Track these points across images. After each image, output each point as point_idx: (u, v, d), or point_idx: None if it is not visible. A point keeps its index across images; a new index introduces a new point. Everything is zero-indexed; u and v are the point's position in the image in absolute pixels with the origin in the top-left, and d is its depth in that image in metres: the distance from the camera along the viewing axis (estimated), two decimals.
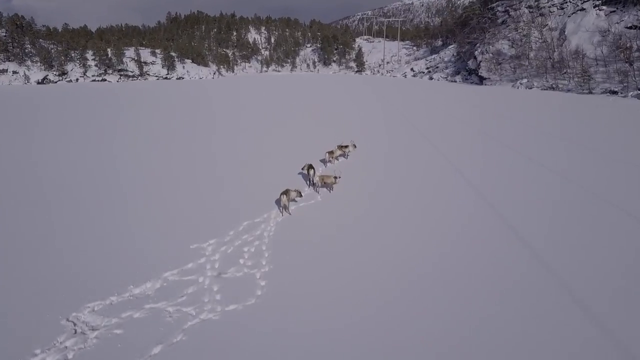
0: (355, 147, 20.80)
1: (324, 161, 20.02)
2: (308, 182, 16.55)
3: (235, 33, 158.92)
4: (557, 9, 70.13)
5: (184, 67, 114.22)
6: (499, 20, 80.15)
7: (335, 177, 15.15)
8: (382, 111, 38.46)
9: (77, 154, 21.36)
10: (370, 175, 17.71)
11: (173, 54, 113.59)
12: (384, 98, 52.20)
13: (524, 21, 73.14)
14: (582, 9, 64.86)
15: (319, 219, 12.91)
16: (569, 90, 54.41)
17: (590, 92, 50.67)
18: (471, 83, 77.66)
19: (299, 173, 17.63)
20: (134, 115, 37.11)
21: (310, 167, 16.26)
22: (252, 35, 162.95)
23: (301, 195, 13.98)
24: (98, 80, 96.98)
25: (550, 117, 32.92)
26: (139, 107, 44.07)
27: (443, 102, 46.54)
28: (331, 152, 19.59)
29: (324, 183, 15.38)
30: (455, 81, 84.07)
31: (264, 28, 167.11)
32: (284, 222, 12.64)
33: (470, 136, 25.29)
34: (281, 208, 13.31)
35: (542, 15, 71.26)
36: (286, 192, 13.24)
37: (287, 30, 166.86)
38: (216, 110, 41.22)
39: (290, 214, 13.29)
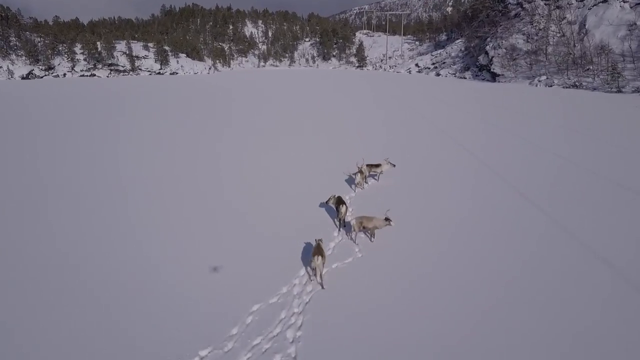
0: (393, 165, 16.40)
1: (351, 183, 15.94)
2: (337, 220, 12.25)
3: (231, 27, 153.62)
4: (577, 1, 65.75)
5: (177, 61, 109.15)
6: (512, 14, 75.78)
7: (388, 220, 10.75)
8: (404, 116, 34.04)
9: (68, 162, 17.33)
10: (414, 202, 13.57)
11: (167, 47, 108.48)
12: (398, 97, 47.81)
13: (539, 14, 68.78)
14: (605, 1, 60.57)
15: (369, 298, 8.60)
16: (594, 89, 50.22)
17: (620, 91, 46.51)
18: (482, 80, 73.31)
19: (321, 205, 13.34)
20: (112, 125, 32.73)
21: (340, 201, 12.06)
22: (249, 29, 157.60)
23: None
24: (87, 76, 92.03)
25: (593, 119, 28.78)
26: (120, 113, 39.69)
27: (465, 103, 42.21)
28: (361, 172, 15.25)
29: (364, 227, 11.02)
30: (465, 78, 79.69)
31: (261, 22, 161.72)
32: (315, 302, 8.40)
33: (517, 144, 21.12)
34: (314, 274, 9.40)
35: (559, 7, 66.90)
36: (320, 251, 9.14)
37: (284, 24, 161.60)
38: (216, 112, 36.70)
39: (323, 286, 9.05)
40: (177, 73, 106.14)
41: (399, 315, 7.80)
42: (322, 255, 9.11)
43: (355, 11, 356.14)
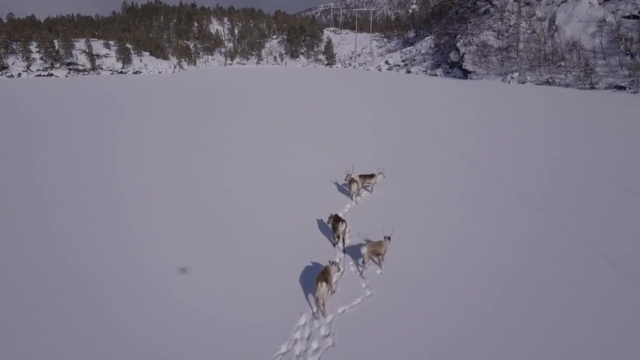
0: (383, 176, 14.58)
1: (342, 191, 14.28)
2: (334, 239, 10.44)
3: (196, 24, 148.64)
4: None
5: (141, 60, 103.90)
6: (481, 10, 75.76)
7: (389, 238, 9.32)
8: (388, 117, 32.33)
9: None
10: (412, 214, 11.81)
11: (129, 46, 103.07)
12: (377, 96, 46.19)
13: (509, 11, 68.91)
14: None
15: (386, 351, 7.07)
16: (567, 85, 50.32)
17: (593, 87, 46.65)
18: (454, 77, 73.00)
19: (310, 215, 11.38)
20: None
21: (337, 219, 10.27)
22: (215, 27, 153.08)
23: (339, 270, 8.56)
24: (44, 75, 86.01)
25: (577, 117, 27.96)
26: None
27: (446, 102, 40.99)
28: (356, 182, 13.39)
29: (377, 254, 9.21)
30: (436, 75, 79.25)
31: (226, 19, 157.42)
32: None
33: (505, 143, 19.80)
34: (319, 305, 7.78)
35: (528, 4, 67.18)
36: (326, 277, 7.72)
37: (251, 21, 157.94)
38: (183, 118, 33.84)
39: (324, 315, 7.67)
40: (140, 72, 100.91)
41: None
42: (327, 281, 7.62)
43: (321, 8, 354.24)
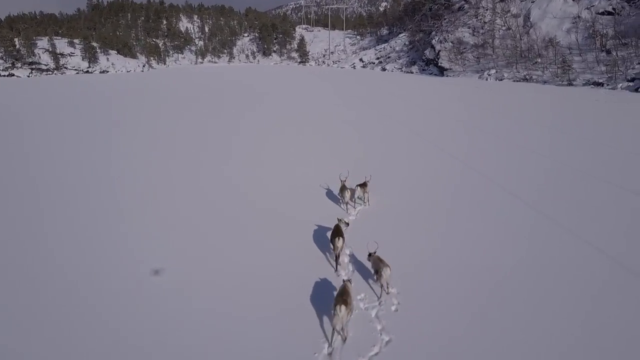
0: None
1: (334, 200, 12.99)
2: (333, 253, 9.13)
3: (165, 22, 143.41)
4: None
5: (108, 59, 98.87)
6: (456, 7, 75.33)
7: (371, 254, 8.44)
8: (370, 117, 30.70)
9: None
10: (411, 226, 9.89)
11: (95, 44, 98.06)
12: (356, 95, 44.59)
13: (483, 7, 68.60)
14: None
15: None
16: (545, 82, 50.06)
17: (571, 84, 46.46)
18: (430, 74, 72.26)
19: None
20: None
21: (337, 232, 9.09)
22: (184, 24, 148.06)
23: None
24: (4, 76, 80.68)
25: (562, 114, 27.12)
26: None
27: (427, 100, 39.75)
28: (350, 190, 12.19)
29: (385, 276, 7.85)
30: (412, 72, 78.41)
31: (196, 16, 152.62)
32: None
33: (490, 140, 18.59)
34: (338, 331, 6.78)
35: (502, 0, 66.97)
36: (345, 298, 6.78)
37: (221, 18, 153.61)
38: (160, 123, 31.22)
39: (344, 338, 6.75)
40: (107, 71, 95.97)
41: None
42: (347, 304, 6.67)
43: (291, 6, 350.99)
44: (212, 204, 12.88)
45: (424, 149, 19.57)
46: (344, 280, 7.42)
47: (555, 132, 22.65)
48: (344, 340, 6.68)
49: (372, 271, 8.15)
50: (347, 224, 9.90)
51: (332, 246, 9.00)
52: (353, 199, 12.43)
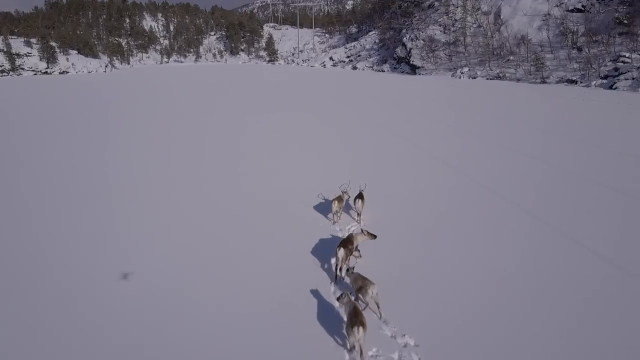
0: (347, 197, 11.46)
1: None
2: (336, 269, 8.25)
3: (128, 20, 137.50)
4: None
5: (68, 59, 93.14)
6: (426, 4, 74.63)
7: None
8: (348, 118, 28.79)
9: None
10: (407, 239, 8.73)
11: (53, 43, 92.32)
12: (331, 97, 42.67)
13: (453, 4, 68.05)
14: None
15: None
16: (518, 80, 49.68)
17: (544, 82, 46.15)
18: (402, 72, 71.23)
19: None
20: None
21: (347, 241, 8.35)
22: (148, 23, 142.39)
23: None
24: None
25: (543, 114, 26.14)
26: None
27: (407, 100, 38.28)
28: (339, 200, 10.96)
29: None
30: (383, 70, 77.22)
31: (160, 15, 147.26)
32: None
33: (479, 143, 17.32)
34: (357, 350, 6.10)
35: None
36: (361, 319, 6.22)
37: (187, 17, 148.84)
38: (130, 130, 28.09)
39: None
40: (68, 72, 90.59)
41: None
42: (364, 325, 6.12)
43: (258, 4, 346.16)
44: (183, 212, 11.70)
45: (412, 154, 17.84)
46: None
47: (541, 132, 21.58)
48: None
49: (353, 289, 7.27)
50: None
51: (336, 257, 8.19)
52: (338, 214, 11.01)
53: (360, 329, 5.99)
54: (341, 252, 7.90)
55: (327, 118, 27.94)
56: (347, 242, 8.16)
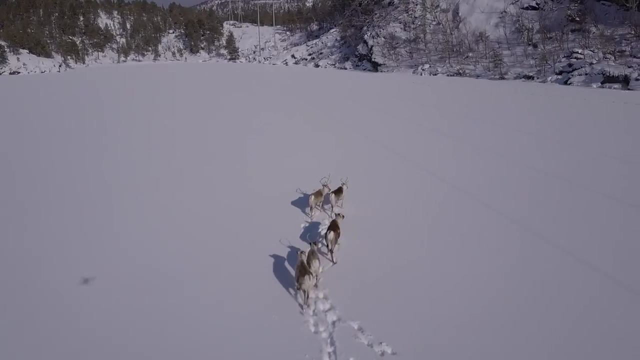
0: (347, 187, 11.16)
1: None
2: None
3: (82, 18, 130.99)
4: None
5: (18, 59, 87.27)
6: (386, 2, 74.83)
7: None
8: (315, 118, 27.99)
9: None
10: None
11: (2, 43, 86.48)
12: (297, 95, 41.74)
13: (413, 2, 68.55)
14: None
15: None
16: (478, 76, 50.46)
17: (502, 78, 47.06)
18: (364, 70, 71.18)
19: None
20: None
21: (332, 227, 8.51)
22: (104, 21, 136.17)
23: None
24: None
25: (507, 110, 26.34)
26: None
27: (372, 98, 37.89)
28: (319, 195, 10.61)
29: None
30: (345, 68, 76.93)
31: (116, 12, 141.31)
32: None
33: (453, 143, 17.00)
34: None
35: None
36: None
37: (144, 14, 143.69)
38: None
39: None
40: (19, 72, 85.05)
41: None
42: (310, 274, 6.91)
43: (217, 2, 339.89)
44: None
45: (384, 156, 17.14)
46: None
47: (507, 129, 21.31)
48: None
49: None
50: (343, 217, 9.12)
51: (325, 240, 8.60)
52: (318, 206, 10.75)
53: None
54: (331, 235, 8.14)
55: (294, 120, 27.06)
56: (334, 226, 8.41)
